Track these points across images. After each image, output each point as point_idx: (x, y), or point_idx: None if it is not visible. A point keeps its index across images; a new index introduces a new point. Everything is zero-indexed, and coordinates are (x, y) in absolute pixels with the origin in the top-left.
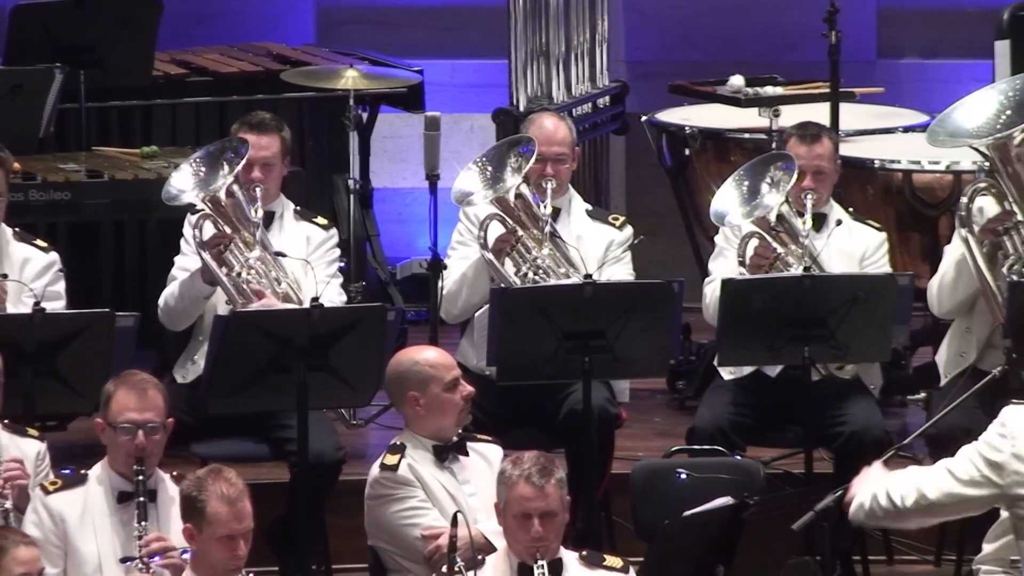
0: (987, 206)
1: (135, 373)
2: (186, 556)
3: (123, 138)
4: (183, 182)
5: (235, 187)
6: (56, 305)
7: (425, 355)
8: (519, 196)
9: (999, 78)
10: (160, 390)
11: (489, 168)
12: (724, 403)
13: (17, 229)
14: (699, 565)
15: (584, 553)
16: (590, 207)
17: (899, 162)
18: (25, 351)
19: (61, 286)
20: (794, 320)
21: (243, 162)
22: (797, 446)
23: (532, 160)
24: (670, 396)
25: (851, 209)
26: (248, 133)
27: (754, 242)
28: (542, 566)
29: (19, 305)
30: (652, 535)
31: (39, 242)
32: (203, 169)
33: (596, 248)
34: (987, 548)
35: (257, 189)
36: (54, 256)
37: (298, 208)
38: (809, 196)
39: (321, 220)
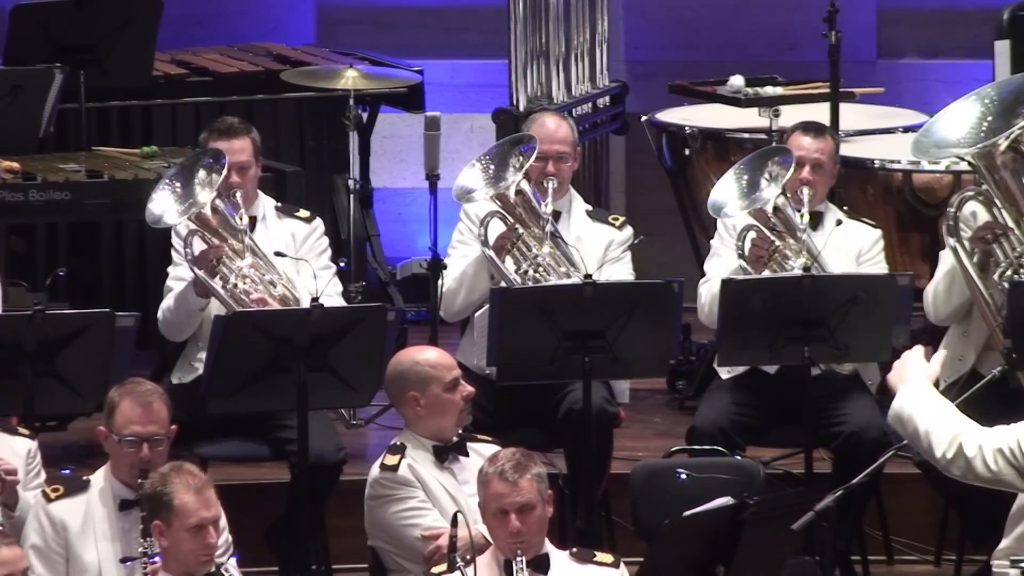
0: (980, 211)
1: (139, 383)
2: (156, 560)
3: (123, 138)
4: (163, 204)
5: (218, 201)
6: None
7: (425, 355)
8: (519, 192)
9: (999, 78)
10: (164, 401)
11: (491, 166)
12: (724, 403)
13: None
14: (699, 565)
15: (575, 551)
16: (590, 207)
17: (899, 162)
18: (25, 351)
19: None
20: (794, 320)
21: (224, 173)
22: (797, 446)
23: (532, 158)
24: (670, 396)
25: (846, 208)
26: (219, 140)
27: (752, 235)
28: (521, 562)
29: None
30: (652, 535)
31: None
32: (178, 187)
33: (596, 248)
34: (1004, 543)
35: (237, 194)
36: None
37: (279, 205)
38: (805, 190)
39: (303, 213)
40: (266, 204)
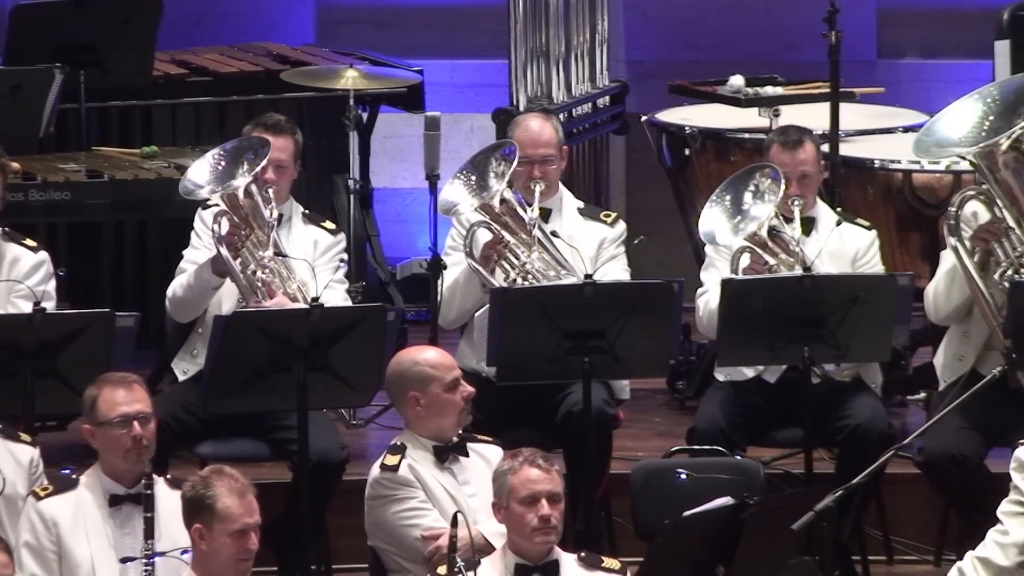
0: (981, 211)
1: (113, 373)
2: (186, 556)
3: (123, 138)
4: (201, 176)
5: (253, 187)
6: (46, 306)
7: (426, 355)
8: (504, 201)
9: (999, 78)
10: (142, 384)
11: (473, 177)
12: (724, 403)
13: (6, 229)
14: (699, 565)
15: (583, 555)
16: (582, 205)
17: (899, 162)
18: (25, 351)
19: (51, 286)
20: (794, 320)
21: (264, 162)
22: (797, 446)
23: (515, 163)
24: (670, 396)
25: (839, 208)
26: (263, 134)
27: (746, 257)
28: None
29: (8, 305)
30: (652, 535)
31: (28, 241)
32: (222, 164)
33: (589, 246)
34: None
35: (269, 190)
36: (43, 256)
37: (307, 212)
38: (796, 202)
39: (329, 225)
40: (295, 208)
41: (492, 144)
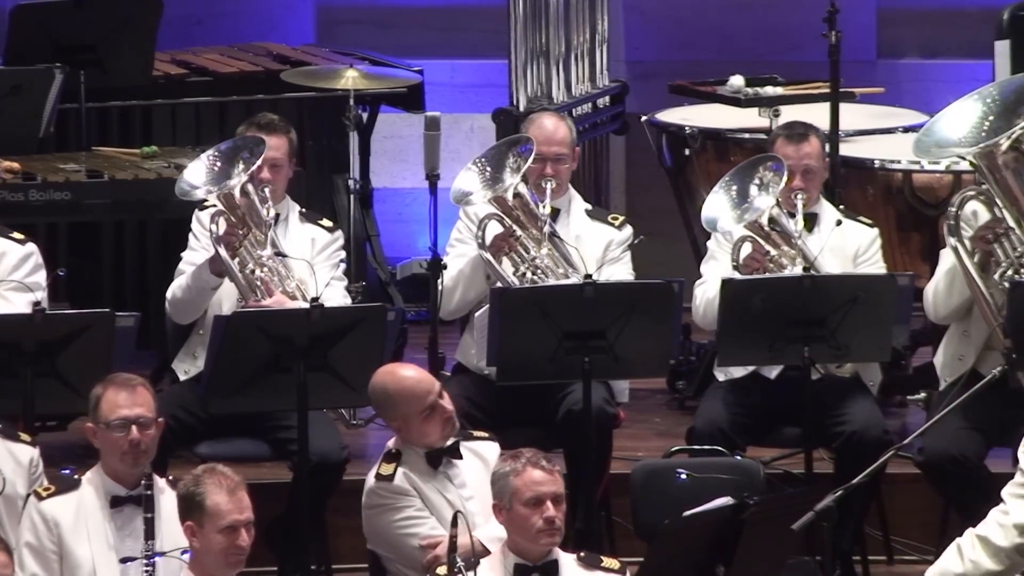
0: (981, 211)
1: (120, 374)
2: (186, 556)
3: (123, 138)
4: (197, 177)
5: (250, 186)
6: (37, 296)
7: (400, 382)
8: (517, 195)
9: (999, 78)
10: (148, 388)
11: (488, 168)
12: (724, 403)
13: None
14: (699, 565)
15: (582, 554)
16: (590, 207)
17: (899, 162)
18: (25, 351)
19: (40, 276)
20: (794, 320)
21: (260, 161)
22: (797, 446)
23: (530, 160)
24: (670, 396)
25: (842, 207)
26: (257, 134)
27: (747, 246)
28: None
29: (0, 300)
30: (652, 535)
31: (15, 235)
32: (218, 165)
33: (595, 248)
34: None
35: (265, 189)
36: (31, 247)
37: (303, 210)
38: (799, 196)
39: (326, 222)
40: (291, 207)
41: (510, 138)
